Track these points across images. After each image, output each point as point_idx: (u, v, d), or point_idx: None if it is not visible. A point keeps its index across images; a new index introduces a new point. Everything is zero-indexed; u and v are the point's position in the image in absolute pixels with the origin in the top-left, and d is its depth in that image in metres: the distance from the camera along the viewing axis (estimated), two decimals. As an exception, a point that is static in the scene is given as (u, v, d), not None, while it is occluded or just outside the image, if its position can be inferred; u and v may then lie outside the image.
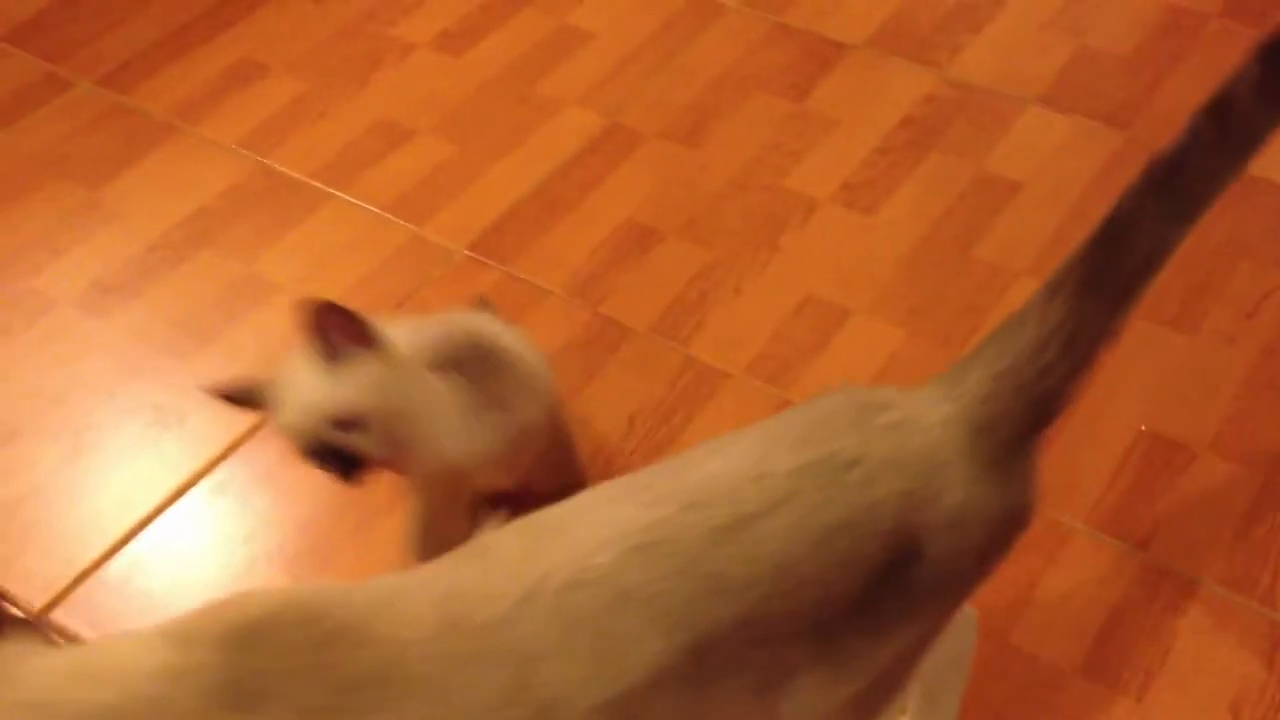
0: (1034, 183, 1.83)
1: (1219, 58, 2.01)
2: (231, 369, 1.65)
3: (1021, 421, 0.95)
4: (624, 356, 1.65)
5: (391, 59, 2.10)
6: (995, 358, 0.95)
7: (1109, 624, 1.37)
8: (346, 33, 2.15)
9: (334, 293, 1.74)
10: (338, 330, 1.16)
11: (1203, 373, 1.60)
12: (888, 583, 0.90)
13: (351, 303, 1.72)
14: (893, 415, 0.94)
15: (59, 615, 1.41)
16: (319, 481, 1.52)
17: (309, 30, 2.16)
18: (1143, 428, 1.54)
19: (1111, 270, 0.92)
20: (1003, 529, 0.96)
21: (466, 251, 1.78)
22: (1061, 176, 1.84)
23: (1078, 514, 1.46)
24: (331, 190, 1.88)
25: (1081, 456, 1.51)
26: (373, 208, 1.85)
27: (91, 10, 2.21)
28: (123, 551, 1.47)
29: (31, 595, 1.43)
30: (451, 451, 1.24)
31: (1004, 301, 1.68)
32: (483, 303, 1.48)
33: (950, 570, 0.93)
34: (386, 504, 1.47)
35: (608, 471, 1.52)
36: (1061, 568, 1.41)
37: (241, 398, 1.19)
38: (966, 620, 1.16)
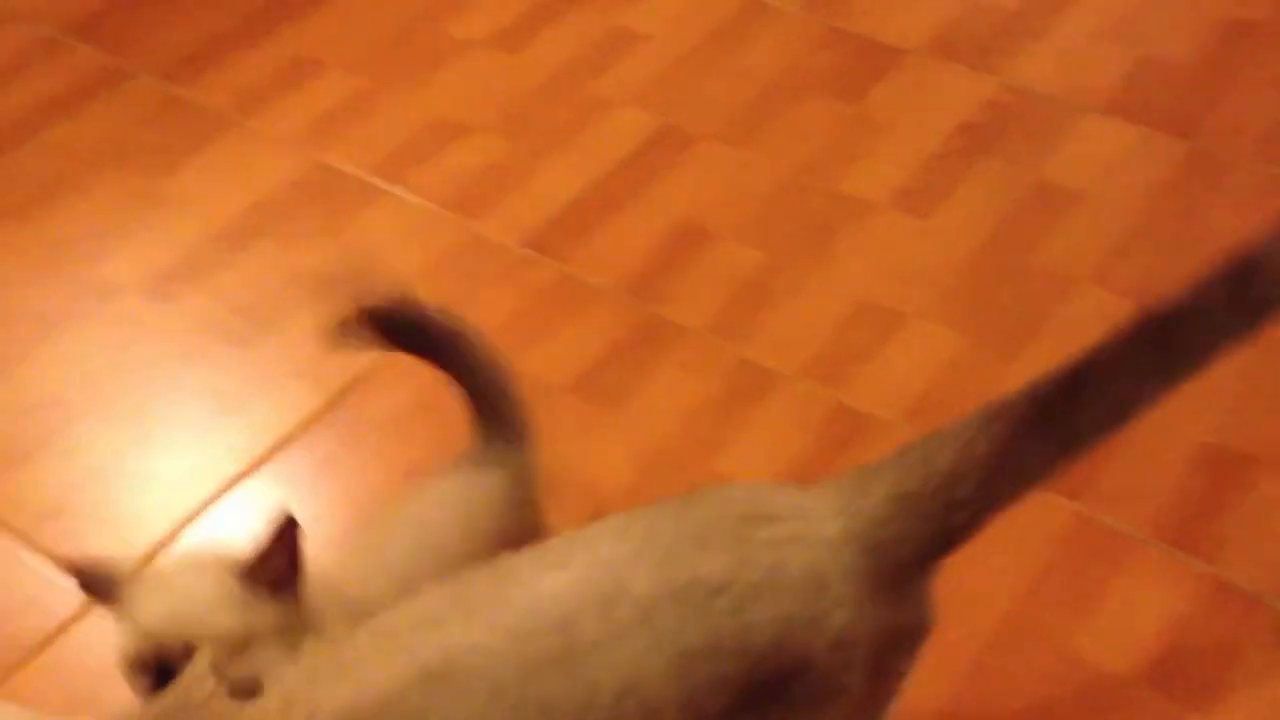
0: (1094, 192, 1.84)
1: (1281, 69, 2.01)
2: (290, 358, 1.67)
3: (921, 548, 0.89)
4: (678, 357, 1.66)
5: (448, 57, 2.12)
6: (903, 477, 0.89)
7: (1174, 637, 1.37)
8: (404, 30, 2.17)
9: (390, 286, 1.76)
10: (280, 559, 0.98)
11: (1273, 385, 1.59)
12: (769, 698, 0.87)
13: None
14: (777, 530, 0.88)
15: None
16: (379, 471, 1.54)
17: (367, 27, 2.18)
18: (1211, 440, 1.54)
19: (1069, 417, 0.86)
20: (895, 645, 0.91)
21: (520, 249, 1.80)
22: (1123, 186, 1.84)
23: (1145, 526, 1.46)
24: (387, 185, 1.91)
25: (1149, 468, 1.51)
26: (428, 203, 1.88)
27: (151, 4, 2.24)
28: (183, 535, 1.50)
29: (91, 577, 1.46)
30: None
31: (1062, 310, 1.69)
32: None
33: (840, 684, 0.88)
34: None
35: (666, 474, 1.53)
36: (1127, 579, 1.41)
37: (93, 581, 1.00)
38: None
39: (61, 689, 1.37)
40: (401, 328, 1.21)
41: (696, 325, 1.70)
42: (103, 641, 1.41)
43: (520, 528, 1.21)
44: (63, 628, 1.42)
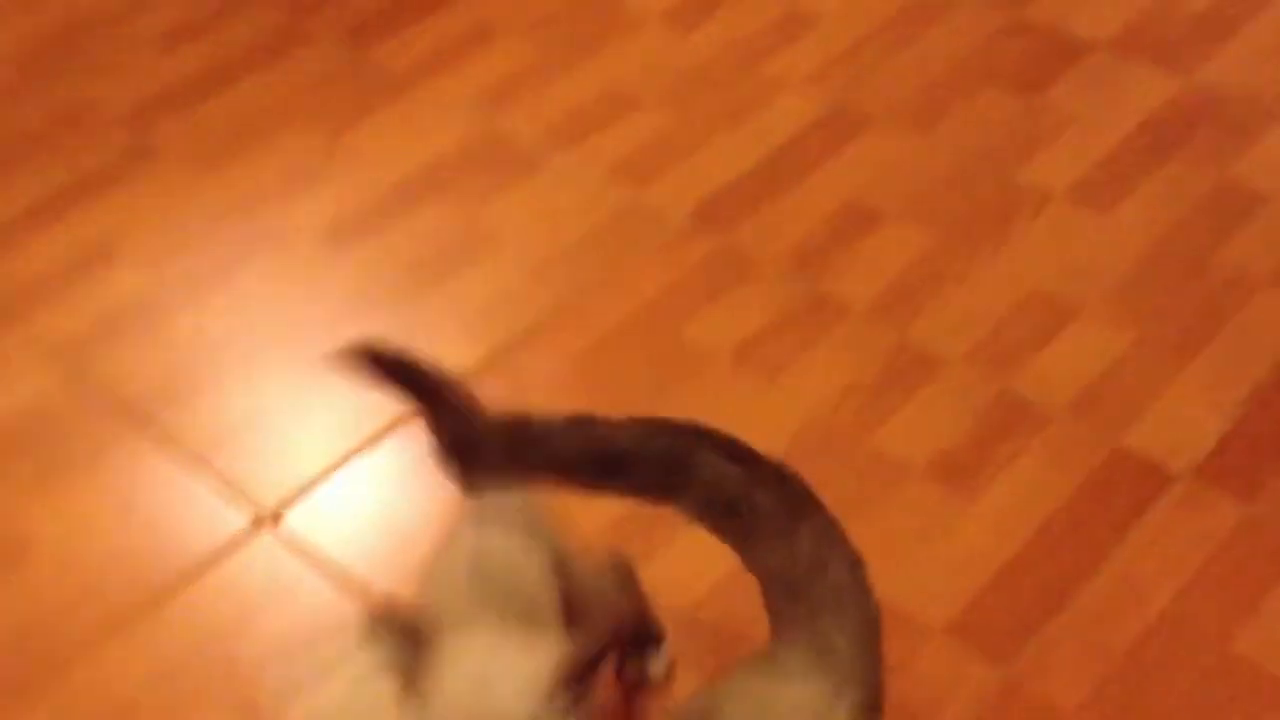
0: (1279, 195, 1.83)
1: None
2: (455, 313, 1.76)
3: None
4: (838, 335, 1.70)
5: (622, 30, 2.20)
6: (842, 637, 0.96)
7: (1336, 643, 1.36)
8: (579, 3, 2.26)
9: (554, 251, 1.84)
10: (595, 671, 0.92)
11: None
12: None
13: (568, 263, 1.83)
14: None
15: (288, 519, 1.54)
16: (549, 408, 1.61)
17: (543, -1, 2.28)
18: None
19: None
20: None
21: (684, 221, 1.86)
22: (1313, 190, 1.82)
23: (1309, 531, 1.46)
24: (555, 153, 1.99)
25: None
26: (593, 172, 1.95)
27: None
28: (345, 469, 1.60)
29: (263, 498, 1.56)
30: None
31: (1241, 314, 1.68)
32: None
33: None
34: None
35: (819, 448, 1.57)
36: (1288, 582, 1.41)
37: (390, 627, 0.94)
38: None
39: (223, 610, 1.47)
40: (395, 372, 1.23)
41: (858, 305, 1.74)
42: (265, 566, 1.51)
43: (552, 555, 1.16)
44: (226, 550, 1.52)
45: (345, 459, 1.61)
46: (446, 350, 1.72)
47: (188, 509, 1.57)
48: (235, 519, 1.55)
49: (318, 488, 1.58)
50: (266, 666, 1.42)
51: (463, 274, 1.82)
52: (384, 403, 1.66)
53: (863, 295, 1.74)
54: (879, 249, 1.80)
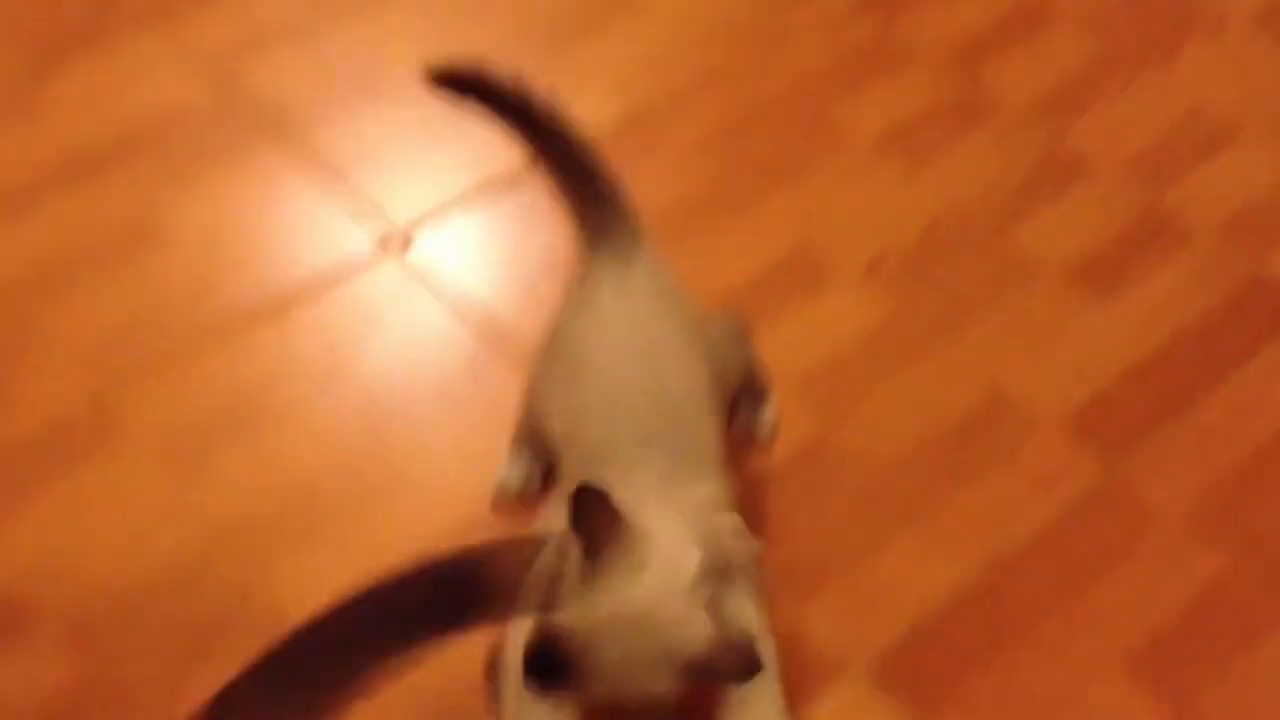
0: None
1: None
2: (602, 66, 1.81)
3: None
4: (990, 131, 1.72)
5: None
6: None
7: None
8: None
9: (709, 18, 1.86)
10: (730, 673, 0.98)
11: None
12: None
13: (722, 33, 1.85)
14: None
15: (414, 244, 1.63)
16: (687, 172, 1.67)
17: None
18: None
19: None
20: None
21: (846, 3, 1.87)
22: None
23: None
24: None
25: None
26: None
27: None
28: (475, 202, 1.67)
29: (393, 220, 1.65)
30: None
31: None
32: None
33: None
34: (749, 194, 1.61)
35: (958, 236, 1.62)
36: None
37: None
38: None
39: (343, 324, 1.56)
40: (477, 88, 1.25)
41: (1015, 103, 1.75)
42: (387, 287, 1.59)
43: (681, 312, 1.22)
44: (352, 267, 1.61)
45: (476, 193, 1.68)
46: (589, 104, 1.77)
47: (319, 223, 1.65)
48: (363, 238, 1.64)
49: (446, 217, 1.66)
50: (381, 381, 1.52)
51: (613, 31, 1.86)
52: (507, 151, 1.72)
53: (1021, 94, 1.76)
54: (1045, 51, 1.81)
